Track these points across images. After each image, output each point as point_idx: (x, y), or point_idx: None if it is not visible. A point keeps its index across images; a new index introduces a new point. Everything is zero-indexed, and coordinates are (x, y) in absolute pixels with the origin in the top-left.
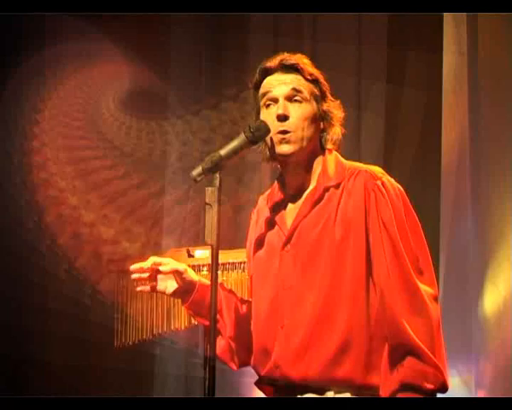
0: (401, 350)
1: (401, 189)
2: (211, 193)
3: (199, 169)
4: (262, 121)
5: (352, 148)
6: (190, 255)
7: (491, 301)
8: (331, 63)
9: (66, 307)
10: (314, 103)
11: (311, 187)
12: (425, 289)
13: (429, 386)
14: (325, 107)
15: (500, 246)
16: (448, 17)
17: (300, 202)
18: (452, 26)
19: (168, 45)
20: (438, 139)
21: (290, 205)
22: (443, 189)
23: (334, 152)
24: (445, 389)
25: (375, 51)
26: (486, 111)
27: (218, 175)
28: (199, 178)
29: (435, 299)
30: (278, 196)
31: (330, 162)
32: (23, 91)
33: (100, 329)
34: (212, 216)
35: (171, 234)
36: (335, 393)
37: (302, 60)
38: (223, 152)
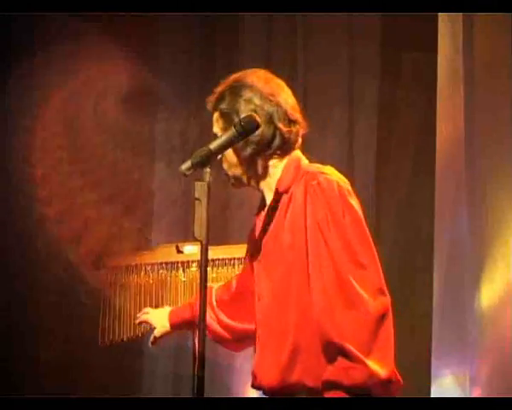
0: (329, 348)
1: (342, 184)
2: (200, 188)
3: (188, 163)
4: (251, 115)
5: (345, 145)
6: (179, 251)
7: (487, 297)
8: (324, 62)
9: (51, 302)
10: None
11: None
12: (365, 283)
13: (351, 383)
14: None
15: (497, 241)
16: (443, 15)
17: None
18: (447, 23)
19: (158, 43)
20: (432, 135)
21: (262, 213)
22: (437, 185)
23: (293, 154)
24: (378, 383)
25: (369, 49)
26: (481, 106)
27: (207, 169)
28: (188, 173)
29: (380, 292)
30: (260, 203)
31: (284, 168)
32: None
33: (87, 325)
34: (201, 211)
35: (161, 230)
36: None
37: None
38: (212, 146)
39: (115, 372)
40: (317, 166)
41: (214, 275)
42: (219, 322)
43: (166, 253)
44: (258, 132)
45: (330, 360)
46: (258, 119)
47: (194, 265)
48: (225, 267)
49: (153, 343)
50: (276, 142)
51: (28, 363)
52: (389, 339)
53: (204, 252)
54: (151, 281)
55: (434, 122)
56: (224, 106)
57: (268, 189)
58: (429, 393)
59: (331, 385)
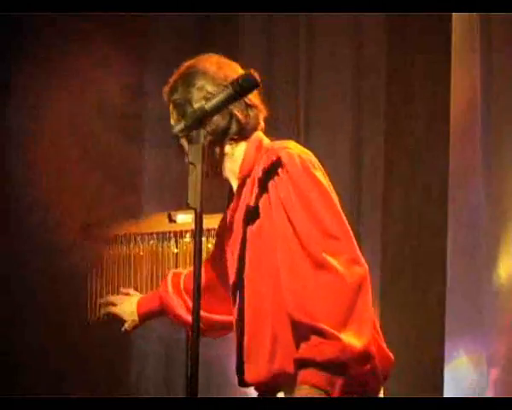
0: (301, 330)
1: (304, 157)
2: (194, 151)
3: (181, 125)
4: (250, 73)
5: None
6: (172, 220)
7: (504, 271)
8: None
9: (34, 279)
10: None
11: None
12: (337, 254)
13: (323, 358)
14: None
15: None
16: None
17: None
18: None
19: (156, 44)
20: (447, 100)
21: (231, 204)
22: (452, 152)
23: (253, 136)
24: (353, 358)
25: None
26: (498, 71)
27: (202, 131)
28: (181, 135)
29: (354, 262)
30: (229, 193)
31: (245, 152)
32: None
33: (71, 303)
34: (195, 177)
35: (151, 197)
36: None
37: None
38: (207, 106)
39: (103, 352)
40: (278, 143)
41: (210, 246)
42: (188, 310)
43: (158, 222)
44: (212, 121)
45: (304, 340)
46: (257, 76)
47: (188, 235)
48: None
49: (125, 332)
50: (233, 129)
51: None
52: (365, 311)
53: (198, 221)
54: (141, 252)
55: (449, 85)
56: (176, 96)
57: (233, 176)
58: (442, 375)
59: (303, 363)
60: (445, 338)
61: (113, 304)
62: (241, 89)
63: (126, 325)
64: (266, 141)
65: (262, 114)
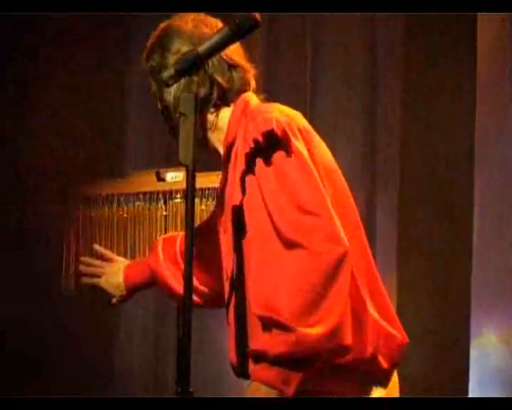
0: (260, 319)
1: (283, 121)
2: (186, 101)
3: (170, 71)
4: (249, 14)
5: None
6: (160, 179)
7: None
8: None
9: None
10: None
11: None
12: (313, 232)
13: (273, 352)
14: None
15: None
16: None
17: None
18: None
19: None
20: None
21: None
22: (478, 108)
23: (240, 98)
24: (312, 350)
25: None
26: None
27: (195, 78)
28: (171, 82)
29: (332, 240)
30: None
31: (230, 118)
32: None
33: (47, 270)
34: (187, 129)
35: (138, 152)
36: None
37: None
38: (200, 49)
39: (86, 328)
40: (259, 106)
41: (203, 207)
42: (176, 278)
43: (144, 181)
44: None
45: (260, 331)
46: (257, 17)
47: (179, 195)
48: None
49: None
50: (215, 95)
51: None
52: (338, 294)
53: (191, 179)
54: (125, 215)
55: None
56: (152, 63)
57: (221, 146)
58: (468, 355)
59: (255, 357)
60: (470, 312)
61: (96, 275)
62: (238, 29)
63: (114, 300)
64: (254, 102)
65: (249, 73)
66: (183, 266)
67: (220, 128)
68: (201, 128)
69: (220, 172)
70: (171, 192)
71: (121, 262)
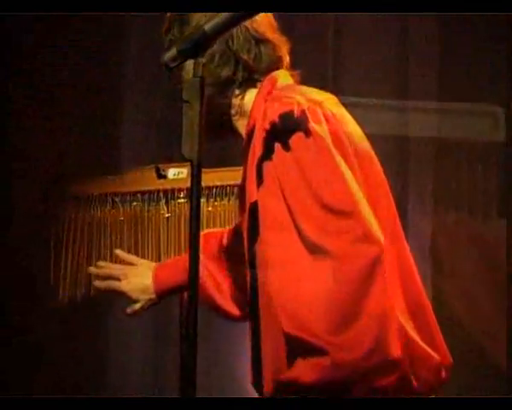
0: (288, 339)
1: (303, 104)
2: (191, 86)
3: (173, 51)
4: None
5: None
6: (161, 175)
7: None
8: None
9: None
10: None
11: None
12: (342, 233)
13: (304, 380)
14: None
15: None
16: None
17: None
18: None
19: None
20: None
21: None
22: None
23: (267, 78)
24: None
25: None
26: None
27: (201, 60)
28: (173, 65)
29: (365, 239)
30: None
31: (254, 101)
32: None
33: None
34: (192, 118)
35: (135, 147)
36: None
37: None
38: (207, 27)
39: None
40: (287, 88)
41: (210, 209)
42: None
43: (143, 178)
44: (211, 70)
45: (290, 354)
46: None
47: (182, 194)
48: (226, 198)
49: (131, 314)
50: (239, 76)
51: None
52: (375, 303)
53: (196, 176)
54: (121, 217)
55: None
56: (171, 37)
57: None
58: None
59: (286, 384)
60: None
61: (114, 277)
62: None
63: (138, 306)
64: (282, 82)
65: (281, 47)
66: (226, 264)
67: (245, 113)
68: (226, 115)
69: (232, 168)
70: (173, 191)
71: (148, 263)
